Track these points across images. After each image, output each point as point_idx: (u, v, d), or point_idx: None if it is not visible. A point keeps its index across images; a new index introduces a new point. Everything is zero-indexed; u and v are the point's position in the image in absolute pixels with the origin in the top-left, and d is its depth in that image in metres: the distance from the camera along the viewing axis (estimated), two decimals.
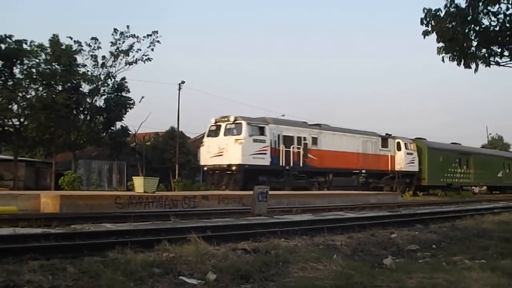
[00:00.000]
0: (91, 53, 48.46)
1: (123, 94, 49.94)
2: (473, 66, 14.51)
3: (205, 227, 14.24)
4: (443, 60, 14.47)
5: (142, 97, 49.10)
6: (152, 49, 50.63)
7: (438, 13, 14.15)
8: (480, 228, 17.63)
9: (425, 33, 14.37)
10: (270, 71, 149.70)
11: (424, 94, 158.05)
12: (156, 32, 50.44)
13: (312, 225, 15.85)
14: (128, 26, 49.88)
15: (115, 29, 49.51)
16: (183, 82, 58.11)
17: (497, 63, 15.03)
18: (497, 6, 13.82)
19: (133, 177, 25.87)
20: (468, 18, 13.99)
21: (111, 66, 49.42)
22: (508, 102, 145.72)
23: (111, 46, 49.14)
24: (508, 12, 13.75)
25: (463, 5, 14.01)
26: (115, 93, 49.35)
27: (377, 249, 13.11)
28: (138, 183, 25.02)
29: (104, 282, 7.74)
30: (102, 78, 49.09)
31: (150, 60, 50.37)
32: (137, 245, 10.35)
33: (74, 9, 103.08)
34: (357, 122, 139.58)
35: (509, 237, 15.87)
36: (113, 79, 49.82)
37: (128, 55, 49.60)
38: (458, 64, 14.45)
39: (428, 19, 14.23)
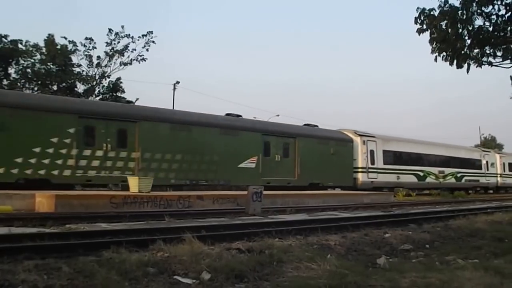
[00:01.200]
0: (86, 53, 48.57)
1: (118, 94, 49.99)
2: (465, 66, 14.58)
3: (199, 227, 14.28)
4: (435, 59, 14.53)
5: (137, 99, 49.19)
6: (147, 50, 50.82)
7: (432, 13, 14.20)
8: (473, 228, 17.70)
9: (420, 31, 14.42)
10: (266, 72, 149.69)
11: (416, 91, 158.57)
12: (151, 32, 50.63)
13: (306, 225, 15.89)
14: (123, 26, 50.03)
15: (110, 29, 49.66)
16: (178, 83, 58.32)
17: (490, 63, 15.09)
18: (490, 7, 13.90)
19: (128, 177, 25.81)
20: (462, 18, 14.06)
21: (106, 66, 49.54)
22: (500, 102, 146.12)
23: (106, 46, 49.27)
24: (500, 13, 13.83)
25: (457, 6, 14.08)
26: (110, 93, 49.36)
27: (370, 248, 13.17)
28: (133, 183, 25.00)
29: (98, 281, 7.78)
30: (97, 78, 49.17)
31: (145, 60, 50.55)
32: (132, 244, 10.38)
33: (70, 9, 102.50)
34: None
35: (502, 237, 15.95)
36: (107, 79, 49.94)
37: (123, 55, 49.76)
38: (451, 64, 14.51)
39: (422, 18, 14.29)
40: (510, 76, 14.80)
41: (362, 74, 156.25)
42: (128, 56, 50.55)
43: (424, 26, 14.25)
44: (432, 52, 14.66)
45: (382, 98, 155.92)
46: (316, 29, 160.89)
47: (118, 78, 50.38)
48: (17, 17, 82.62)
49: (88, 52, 48.99)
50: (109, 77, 50.22)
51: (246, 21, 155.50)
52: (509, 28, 14.11)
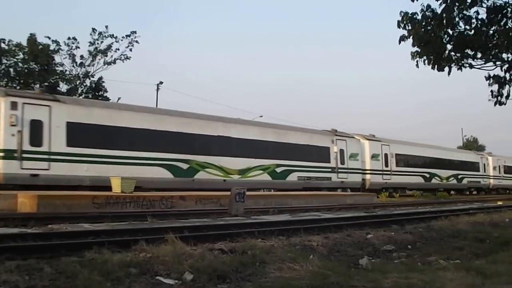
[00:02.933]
0: (69, 52, 48.44)
1: (101, 94, 49.86)
2: (446, 69, 14.67)
3: (182, 227, 14.28)
4: (417, 65, 14.61)
5: (119, 98, 49.07)
6: (131, 49, 50.79)
7: (414, 16, 14.28)
8: (455, 228, 17.84)
9: (402, 39, 14.51)
10: (248, 73, 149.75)
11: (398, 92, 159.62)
12: (135, 32, 50.61)
13: (288, 226, 15.93)
14: (106, 27, 49.96)
15: (93, 29, 49.56)
16: (161, 83, 58.24)
17: (470, 66, 15.20)
18: (472, 10, 14.00)
19: (110, 177, 25.69)
20: (443, 22, 14.14)
21: (89, 65, 49.41)
22: (481, 104, 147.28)
23: (89, 46, 49.20)
24: (480, 17, 13.94)
25: (439, 10, 14.17)
26: (93, 93, 49.20)
27: (353, 249, 13.24)
28: (116, 183, 24.91)
29: (80, 282, 7.77)
30: (80, 77, 49.06)
31: (129, 59, 50.52)
32: (114, 245, 10.37)
33: (52, 9, 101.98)
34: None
35: (483, 238, 16.10)
36: (90, 79, 49.83)
37: (106, 55, 49.67)
38: (432, 68, 14.60)
39: (405, 22, 14.36)
40: (485, 77, 14.91)
41: (342, 74, 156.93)
42: (112, 56, 50.49)
43: (408, 27, 14.33)
44: (413, 58, 14.75)
45: (362, 98, 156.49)
46: (298, 30, 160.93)
47: (100, 78, 50.33)
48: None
49: (71, 51, 48.85)
50: (92, 77, 50.11)
51: (229, 22, 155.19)
52: (490, 32, 14.23)
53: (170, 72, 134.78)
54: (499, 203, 39.32)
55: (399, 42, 14.51)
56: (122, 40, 50.40)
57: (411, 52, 14.65)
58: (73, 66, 49.32)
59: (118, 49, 50.52)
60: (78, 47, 49.12)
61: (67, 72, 49.22)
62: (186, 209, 23.48)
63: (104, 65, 50.25)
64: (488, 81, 14.90)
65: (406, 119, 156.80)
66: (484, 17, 13.78)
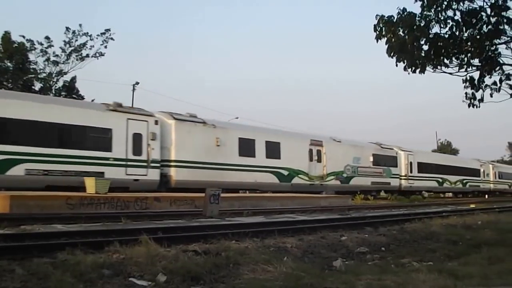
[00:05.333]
0: (42, 49, 48.27)
1: (74, 94, 49.67)
2: (419, 70, 14.71)
3: (156, 228, 14.24)
4: (396, 65, 14.63)
5: (93, 100, 49.01)
6: (105, 46, 50.81)
7: (391, 19, 14.29)
8: (428, 231, 17.99)
9: (378, 37, 14.48)
10: (223, 73, 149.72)
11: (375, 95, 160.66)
12: (109, 30, 50.64)
13: (263, 228, 15.94)
14: (80, 25, 49.85)
15: (67, 28, 49.41)
16: (137, 83, 58.05)
17: (445, 66, 15.24)
18: (448, 12, 14.03)
19: (84, 178, 25.49)
20: (420, 25, 14.19)
21: (63, 63, 49.25)
22: (455, 108, 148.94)
23: (64, 45, 49.07)
24: (456, 18, 13.99)
25: (416, 13, 14.20)
26: (66, 94, 48.96)
27: (327, 251, 13.30)
28: (90, 183, 24.73)
29: (53, 283, 7.73)
30: (54, 76, 48.86)
31: (103, 55, 50.53)
32: (88, 246, 10.32)
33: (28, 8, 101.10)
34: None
35: (456, 240, 16.27)
36: (63, 76, 49.67)
37: (81, 53, 49.61)
38: (406, 70, 14.64)
39: (381, 25, 14.37)
40: (462, 79, 14.99)
41: (317, 75, 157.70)
42: (87, 54, 50.41)
43: (383, 33, 14.33)
44: (389, 55, 14.74)
45: (337, 99, 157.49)
46: (275, 30, 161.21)
47: (73, 78, 50.20)
48: None
49: (45, 49, 48.64)
50: (65, 74, 50.03)
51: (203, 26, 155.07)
52: (463, 37, 14.31)
53: (143, 72, 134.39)
54: (472, 206, 39.71)
55: (377, 41, 14.50)
56: (97, 38, 50.45)
57: (386, 49, 14.63)
58: (47, 64, 49.13)
59: (93, 46, 50.56)
60: (52, 45, 49.03)
61: (41, 71, 49.02)
62: (160, 210, 23.40)
63: (77, 60, 50.20)
64: (463, 84, 14.98)
65: (380, 122, 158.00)
66: (460, 20, 13.83)
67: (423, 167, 57.24)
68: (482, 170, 72.47)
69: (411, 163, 55.34)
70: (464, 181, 66.72)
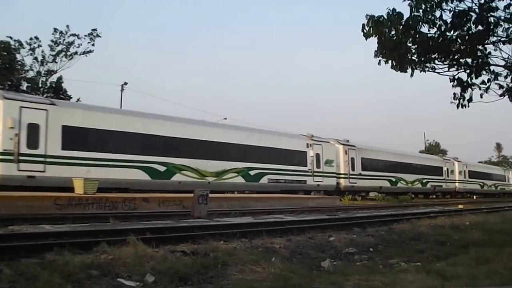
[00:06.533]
0: (30, 48, 48.28)
1: (61, 94, 49.64)
2: (409, 71, 14.75)
3: (144, 229, 14.23)
4: (379, 63, 14.65)
5: (78, 99, 49.00)
6: (93, 44, 51.00)
7: (381, 19, 14.29)
8: (416, 231, 18.02)
9: (367, 35, 14.47)
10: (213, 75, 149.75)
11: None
12: (95, 30, 50.93)
13: (251, 228, 15.93)
14: (68, 26, 49.96)
15: (55, 29, 49.50)
16: (125, 84, 57.94)
17: (433, 68, 15.28)
18: (437, 12, 14.05)
19: (73, 178, 25.43)
20: (409, 25, 14.19)
21: (52, 62, 49.26)
22: (444, 108, 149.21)
23: (54, 45, 49.18)
24: (444, 18, 14.01)
25: (405, 13, 14.21)
26: (53, 93, 48.87)
27: (315, 252, 13.29)
28: (78, 184, 24.67)
29: (41, 284, 7.71)
30: (42, 75, 48.86)
31: (91, 52, 50.73)
32: (76, 247, 10.30)
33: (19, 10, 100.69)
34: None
35: (444, 240, 16.29)
36: (50, 77, 49.66)
37: (69, 51, 49.75)
38: (395, 69, 14.66)
39: (370, 25, 14.36)
40: (450, 78, 15.02)
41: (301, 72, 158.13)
42: (76, 52, 50.50)
43: (372, 32, 14.32)
44: (375, 56, 14.76)
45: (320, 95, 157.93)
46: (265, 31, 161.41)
47: (60, 78, 50.21)
48: None
49: (33, 50, 48.62)
50: (55, 73, 50.01)
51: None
52: (453, 36, 14.34)
53: (130, 73, 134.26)
54: (460, 206, 39.87)
55: (366, 39, 14.50)
56: (84, 38, 50.64)
57: (374, 50, 14.65)
58: (34, 63, 49.10)
59: (81, 44, 50.70)
60: (40, 46, 49.06)
61: (29, 70, 49.02)
62: (149, 211, 23.40)
63: (66, 57, 50.24)
64: (452, 83, 15.01)
65: (365, 119, 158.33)
66: (448, 21, 13.86)
67: (369, 164, 52.08)
68: (445, 168, 68.14)
69: (352, 159, 49.62)
70: (424, 181, 62.31)
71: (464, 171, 72.13)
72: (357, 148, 50.93)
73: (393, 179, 56.21)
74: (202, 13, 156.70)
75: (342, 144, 49.36)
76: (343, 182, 48.03)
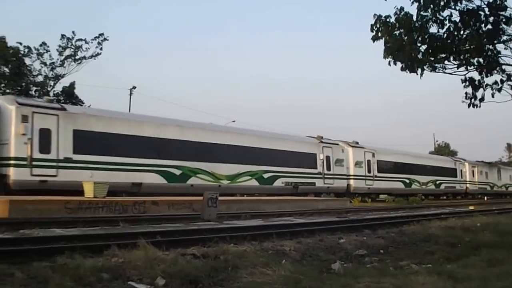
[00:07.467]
0: (39, 53, 48.47)
1: (73, 99, 49.81)
2: (419, 71, 14.69)
3: (154, 232, 14.25)
4: (389, 64, 14.60)
5: (89, 105, 49.21)
6: (101, 48, 51.21)
7: (388, 20, 14.26)
8: (427, 233, 17.95)
9: (375, 38, 14.45)
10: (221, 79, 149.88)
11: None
12: (102, 34, 51.13)
13: (261, 231, 15.92)
14: (73, 32, 50.32)
15: (62, 35, 49.74)
16: (134, 88, 58.07)
17: (443, 68, 15.23)
18: (445, 12, 13.99)
19: (83, 182, 25.48)
20: (417, 26, 14.16)
21: (60, 66, 49.47)
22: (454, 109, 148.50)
23: (61, 50, 49.40)
24: (453, 19, 13.96)
25: (413, 13, 14.17)
26: (64, 98, 49.01)
27: (325, 254, 13.26)
28: (89, 188, 24.70)
29: (52, 287, 7.73)
30: (50, 80, 49.07)
31: (100, 54, 50.91)
32: (86, 250, 10.33)
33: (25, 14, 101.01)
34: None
35: (455, 242, 16.21)
36: (61, 80, 49.89)
37: (76, 57, 49.97)
38: (404, 70, 14.62)
39: (378, 26, 14.34)
40: (461, 79, 14.97)
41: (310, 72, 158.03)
42: (84, 57, 50.70)
43: (380, 34, 14.31)
44: (385, 57, 14.72)
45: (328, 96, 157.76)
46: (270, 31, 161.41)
47: (73, 83, 50.34)
48: None
49: (42, 56, 48.81)
50: (62, 77, 50.25)
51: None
52: (462, 36, 14.28)
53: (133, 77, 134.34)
54: (471, 207, 39.69)
55: (373, 41, 14.48)
56: (91, 42, 50.84)
57: (384, 50, 14.59)
58: (42, 68, 49.33)
59: (89, 48, 50.89)
60: (49, 50, 49.27)
61: (37, 74, 49.20)
62: (159, 214, 23.37)
63: (75, 62, 50.44)
64: (463, 84, 14.96)
65: (373, 120, 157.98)
66: (457, 20, 13.80)
67: (385, 166, 52.74)
68: (458, 169, 68.04)
69: (368, 161, 50.15)
70: (437, 182, 62.43)
71: (473, 171, 71.23)
72: (374, 151, 51.58)
73: (407, 181, 56.65)
74: (204, 15, 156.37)
75: (352, 146, 49.35)
76: (353, 183, 48.05)
